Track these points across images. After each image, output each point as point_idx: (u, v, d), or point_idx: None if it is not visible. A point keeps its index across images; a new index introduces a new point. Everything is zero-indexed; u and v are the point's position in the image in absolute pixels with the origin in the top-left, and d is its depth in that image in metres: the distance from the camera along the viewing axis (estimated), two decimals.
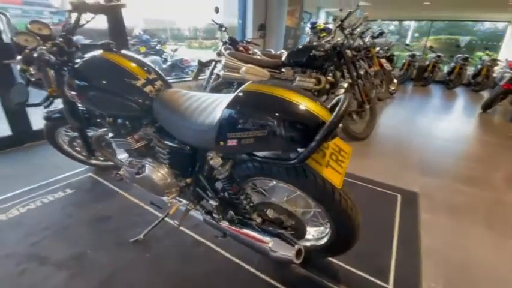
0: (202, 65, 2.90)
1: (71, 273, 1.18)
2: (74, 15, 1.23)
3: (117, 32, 2.83)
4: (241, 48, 3.47)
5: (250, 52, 3.42)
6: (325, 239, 1.11)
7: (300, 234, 1.09)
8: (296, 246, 0.85)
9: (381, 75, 4.58)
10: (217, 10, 3.28)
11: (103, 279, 1.15)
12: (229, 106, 0.82)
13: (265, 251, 0.89)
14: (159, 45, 7.32)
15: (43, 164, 2.10)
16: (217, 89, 2.92)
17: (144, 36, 7.33)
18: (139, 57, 1.23)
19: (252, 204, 1.05)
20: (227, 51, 2.73)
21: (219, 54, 2.71)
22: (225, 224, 1.08)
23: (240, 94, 0.84)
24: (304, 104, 0.77)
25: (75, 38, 1.26)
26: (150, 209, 1.59)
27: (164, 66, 5.35)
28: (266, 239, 0.90)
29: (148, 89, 1.09)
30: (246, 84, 0.86)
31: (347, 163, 0.86)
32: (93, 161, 1.91)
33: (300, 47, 2.87)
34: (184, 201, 1.26)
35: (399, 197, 1.84)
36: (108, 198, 1.71)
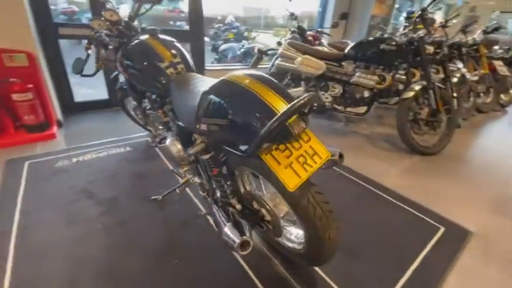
0: (262, 53, 2.96)
1: (103, 210, 1.50)
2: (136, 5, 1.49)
3: (196, 18, 3.16)
4: (310, 38, 3.34)
5: (317, 42, 3.26)
6: (304, 245, 1.06)
7: (277, 231, 1.07)
8: (244, 238, 0.85)
9: (488, 81, 3.62)
10: None
11: (119, 222, 1.42)
12: (205, 92, 0.86)
13: (219, 231, 0.93)
14: (246, 33, 7.77)
15: (120, 124, 2.64)
16: None
17: (235, 23, 7.88)
18: (175, 42, 1.39)
19: (231, 190, 1.08)
20: (288, 41, 2.69)
21: (279, 43, 2.70)
22: (209, 202, 1.17)
23: (218, 82, 0.87)
24: (267, 99, 0.74)
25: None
26: (177, 176, 1.82)
27: (238, 53, 5.61)
28: (225, 221, 0.94)
29: (169, 71, 1.24)
30: (230, 74, 0.88)
31: (316, 168, 0.79)
32: (149, 127, 2.28)
33: (371, 39, 2.56)
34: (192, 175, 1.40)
35: (442, 230, 1.51)
36: (152, 160, 2.03)
